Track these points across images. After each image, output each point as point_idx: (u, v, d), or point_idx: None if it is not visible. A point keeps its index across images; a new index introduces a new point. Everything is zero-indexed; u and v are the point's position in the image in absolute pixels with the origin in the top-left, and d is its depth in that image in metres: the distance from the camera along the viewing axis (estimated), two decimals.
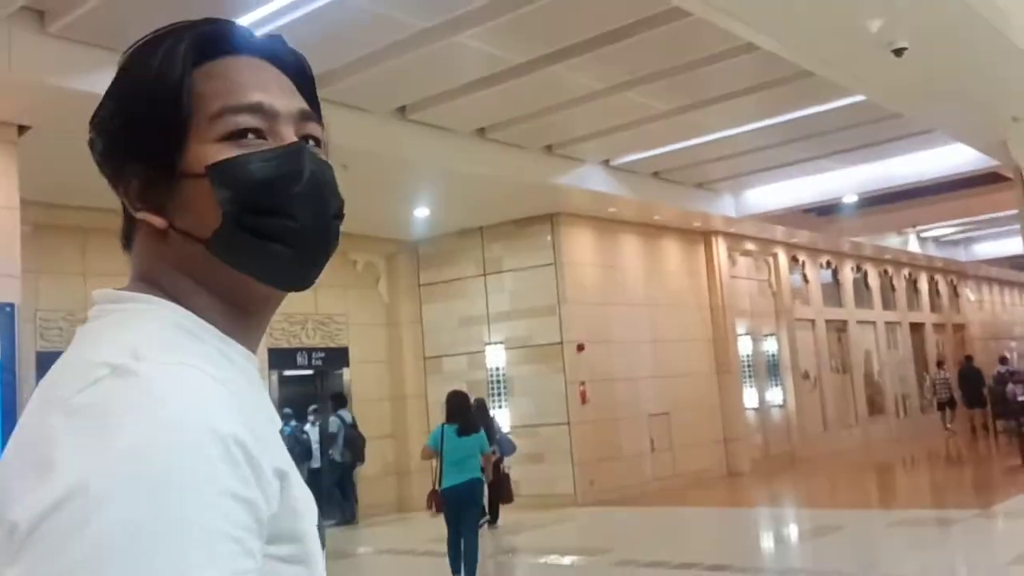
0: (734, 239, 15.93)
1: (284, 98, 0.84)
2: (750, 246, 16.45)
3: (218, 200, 0.78)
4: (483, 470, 7.85)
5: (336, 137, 0.88)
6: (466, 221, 12.96)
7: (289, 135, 0.82)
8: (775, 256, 17.16)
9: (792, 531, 10.13)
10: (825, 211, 16.33)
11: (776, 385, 16.62)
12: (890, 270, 21.56)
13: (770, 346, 16.71)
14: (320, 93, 0.90)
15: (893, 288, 21.75)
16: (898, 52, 7.05)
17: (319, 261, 0.83)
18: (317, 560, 0.76)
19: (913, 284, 22.75)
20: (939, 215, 16.91)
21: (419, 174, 10.55)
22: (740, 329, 16.05)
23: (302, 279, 0.84)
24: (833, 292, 19.45)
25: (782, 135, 11.03)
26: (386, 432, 13.31)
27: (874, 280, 20.76)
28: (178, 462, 0.64)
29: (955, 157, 12.40)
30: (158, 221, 0.81)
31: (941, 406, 20.32)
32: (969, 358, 20.77)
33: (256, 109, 0.81)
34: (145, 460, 0.64)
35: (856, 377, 19.37)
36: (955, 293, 25.14)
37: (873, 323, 20.53)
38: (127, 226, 0.85)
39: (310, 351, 12.52)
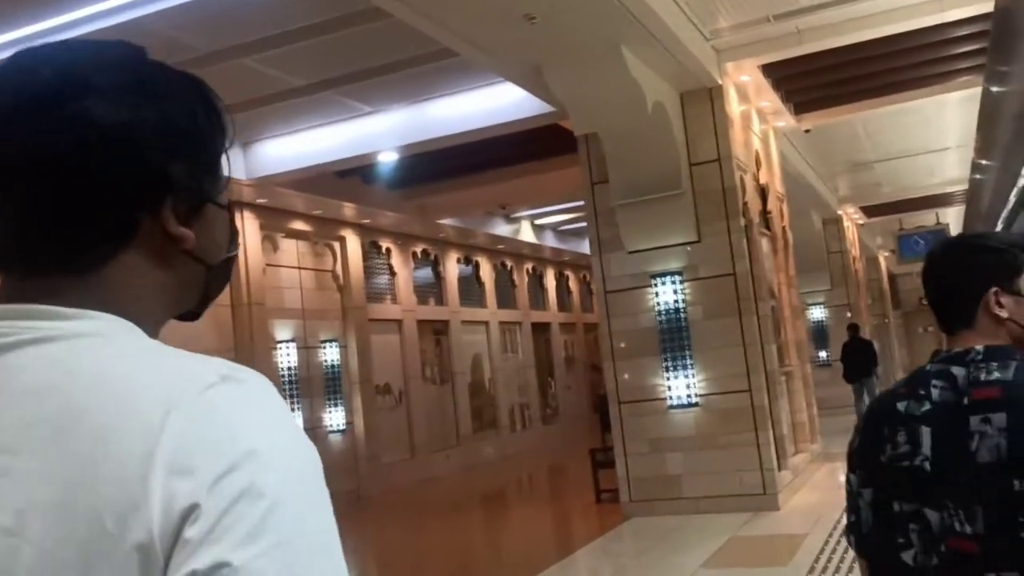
0: (274, 215, 12.06)
1: None
2: (302, 226, 12.68)
3: (233, 231, 0.89)
4: None
5: None
6: None
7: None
8: (343, 240, 13.53)
9: None
10: (398, 184, 12.98)
11: (337, 404, 12.98)
12: (510, 263, 18.89)
13: (331, 355, 13.05)
14: None
15: (514, 284, 19.11)
16: None
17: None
18: None
19: (539, 280, 20.32)
20: (525, 194, 14.14)
21: None
22: (282, 334, 12.22)
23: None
24: (434, 287, 16.28)
25: (216, 24, 7.23)
26: None
27: (488, 274, 17.92)
28: (309, 454, 0.72)
29: (504, 96, 9.34)
30: (192, 241, 0.83)
31: None
32: (854, 327, 16.29)
33: None
34: (291, 441, 0.71)
35: (459, 387, 16.32)
36: (590, 290, 23.26)
37: (485, 323, 17.67)
38: (95, 247, 0.79)
39: None
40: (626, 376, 9.12)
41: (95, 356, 0.72)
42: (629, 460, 9.10)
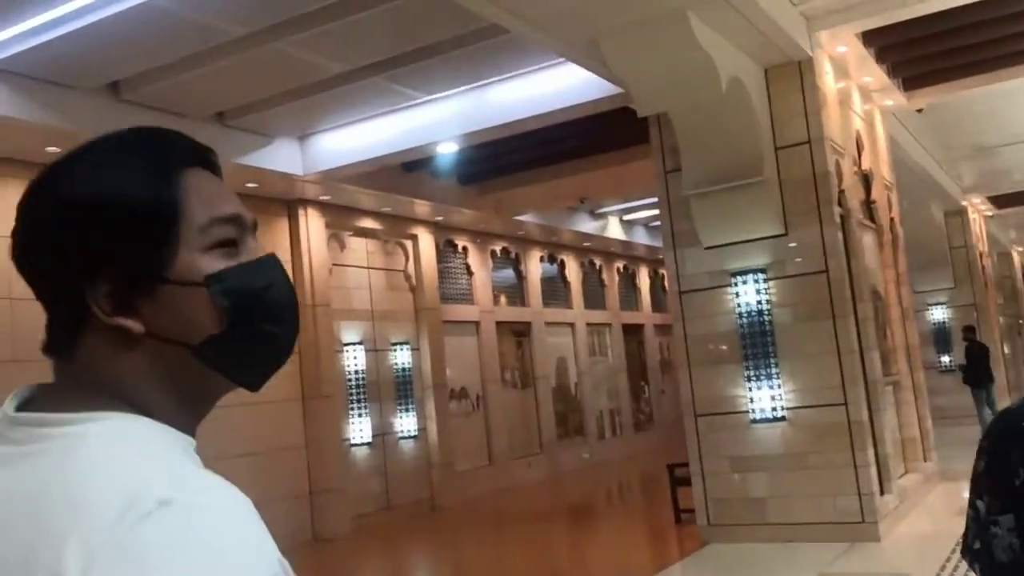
0: (340, 212, 11.57)
1: (245, 209, 0.88)
2: (371, 223, 12.16)
3: (221, 308, 0.82)
4: None
5: None
6: None
7: (256, 246, 0.87)
8: (415, 239, 12.97)
9: None
10: (470, 178, 12.33)
11: (409, 409, 12.41)
12: (598, 262, 18.00)
13: (403, 358, 12.49)
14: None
15: (603, 284, 18.21)
16: None
17: (282, 364, 0.89)
18: None
19: (631, 279, 19.34)
20: (606, 186, 13.20)
21: None
22: (350, 336, 11.72)
23: (264, 380, 0.88)
24: (515, 287, 15.57)
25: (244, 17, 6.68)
26: None
27: (574, 273, 17.07)
28: None
29: (568, 78, 8.54)
30: (136, 327, 0.81)
31: None
32: (970, 328, 15.28)
33: (235, 220, 0.86)
34: None
35: (542, 392, 15.55)
36: None
37: (571, 325, 16.83)
38: (63, 330, 0.83)
39: None
40: (726, 384, 8.15)
41: (64, 466, 0.73)
42: (707, 479, 8.16)
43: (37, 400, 0.80)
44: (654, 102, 7.35)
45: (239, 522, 0.72)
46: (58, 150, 7.11)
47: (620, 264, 18.76)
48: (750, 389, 7.96)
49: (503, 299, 15.20)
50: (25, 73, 7.06)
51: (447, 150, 9.82)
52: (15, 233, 0.83)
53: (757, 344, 7.94)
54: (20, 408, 0.80)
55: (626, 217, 16.89)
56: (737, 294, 8.03)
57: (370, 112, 9.28)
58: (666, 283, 8.96)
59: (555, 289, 16.58)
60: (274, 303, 0.86)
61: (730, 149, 7.69)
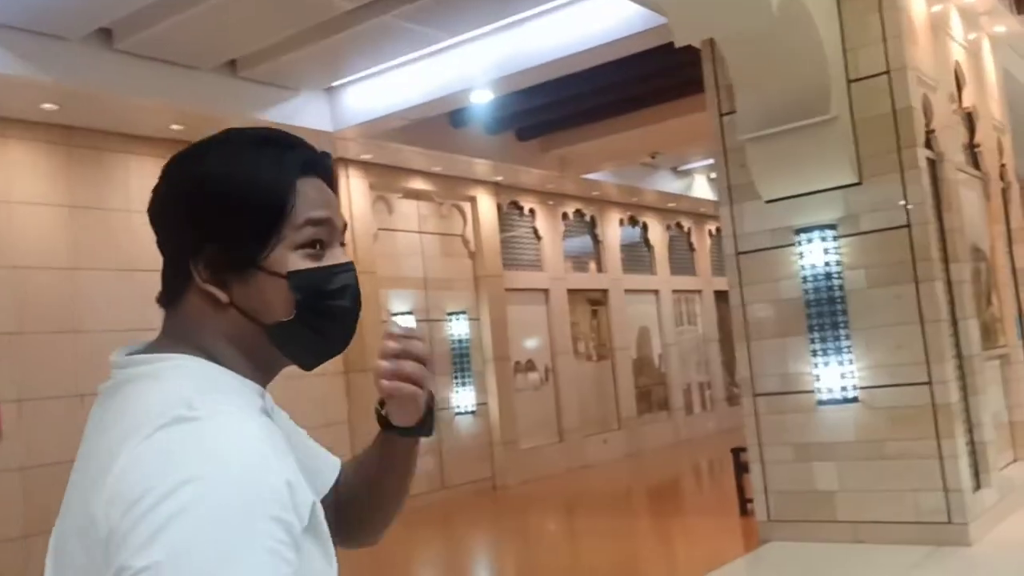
0: (386, 173, 10.86)
1: (338, 214, 1.05)
2: (421, 184, 11.40)
3: (294, 301, 1.00)
4: None
5: None
6: None
7: (340, 251, 1.04)
8: (473, 201, 12.14)
9: None
10: (529, 132, 11.42)
11: (466, 383, 11.67)
12: (687, 224, 16.76)
13: (460, 328, 11.74)
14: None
15: (692, 248, 16.97)
16: None
17: (335, 355, 1.07)
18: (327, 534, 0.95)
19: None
20: (679, 139, 11.98)
21: None
22: (399, 305, 11.06)
23: (318, 364, 1.07)
24: (590, 252, 14.55)
25: None
26: None
27: (659, 237, 15.89)
28: (232, 493, 0.82)
29: (611, 9, 7.50)
30: (223, 296, 0.99)
31: None
32: None
33: (325, 223, 1.02)
34: (204, 493, 0.81)
35: (621, 364, 14.53)
36: None
37: (655, 292, 15.70)
38: (172, 285, 1.02)
39: None
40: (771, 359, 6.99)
41: (136, 391, 0.94)
42: (767, 468, 7.08)
43: (139, 350, 0.99)
44: (692, 28, 6.22)
45: (245, 442, 0.86)
46: (55, 107, 6.40)
47: (713, 226, 17.45)
48: (816, 365, 6.81)
49: (592, 266, 14.26)
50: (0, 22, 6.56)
51: (483, 98, 8.90)
52: (156, 191, 1.02)
53: (825, 313, 6.77)
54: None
55: (714, 175, 15.55)
56: (802, 255, 6.87)
57: (396, 58, 8.47)
58: (722, 243, 7.84)
59: (637, 254, 15.49)
60: (339, 306, 1.03)
61: (790, 83, 6.51)
